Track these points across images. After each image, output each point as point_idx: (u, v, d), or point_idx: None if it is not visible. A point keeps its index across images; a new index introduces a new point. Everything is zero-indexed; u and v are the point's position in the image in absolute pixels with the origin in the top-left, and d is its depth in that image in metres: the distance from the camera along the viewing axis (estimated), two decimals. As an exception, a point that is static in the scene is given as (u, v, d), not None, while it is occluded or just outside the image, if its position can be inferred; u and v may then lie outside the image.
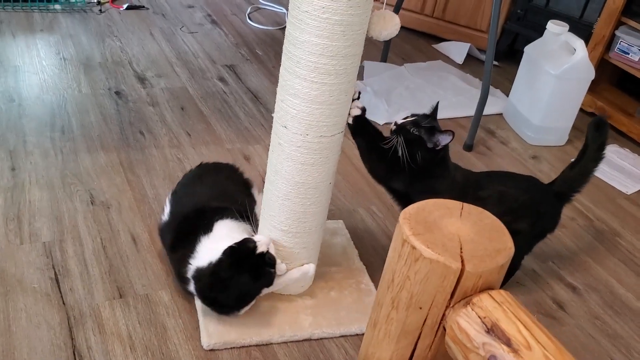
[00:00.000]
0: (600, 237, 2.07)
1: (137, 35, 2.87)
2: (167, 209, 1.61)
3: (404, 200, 1.61)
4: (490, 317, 0.69)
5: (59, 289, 1.53)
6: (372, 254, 1.82)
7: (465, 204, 0.80)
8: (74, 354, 1.38)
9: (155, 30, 2.94)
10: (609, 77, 2.86)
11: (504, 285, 1.75)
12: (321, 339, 1.52)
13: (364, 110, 1.44)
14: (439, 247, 0.72)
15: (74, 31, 2.80)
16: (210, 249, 1.44)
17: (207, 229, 1.49)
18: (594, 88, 2.73)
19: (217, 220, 1.51)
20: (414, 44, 3.31)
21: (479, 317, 0.70)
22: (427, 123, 1.51)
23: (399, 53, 3.17)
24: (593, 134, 1.64)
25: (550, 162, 2.45)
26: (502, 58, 3.24)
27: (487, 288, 0.73)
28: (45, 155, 1.98)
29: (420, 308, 0.75)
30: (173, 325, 1.49)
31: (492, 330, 0.68)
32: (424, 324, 0.76)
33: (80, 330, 1.43)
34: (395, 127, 1.53)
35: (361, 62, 2.94)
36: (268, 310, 1.53)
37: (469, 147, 2.44)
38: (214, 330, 1.46)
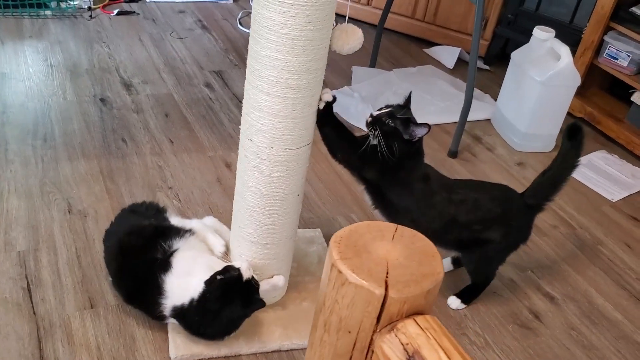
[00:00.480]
0: (582, 245, 2.06)
1: (125, 41, 2.88)
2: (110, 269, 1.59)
3: (375, 190, 1.59)
4: (413, 344, 0.69)
5: (31, 299, 1.54)
6: (348, 263, 1.82)
7: (400, 227, 0.80)
8: (41, 365, 1.39)
9: (144, 36, 2.95)
10: (600, 82, 2.84)
11: (477, 296, 1.76)
12: (291, 350, 1.52)
13: (334, 97, 1.41)
14: (365, 272, 0.72)
15: (63, 37, 2.82)
16: (180, 285, 1.43)
17: (165, 266, 1.46)
18: (583, 93, 2.72)
19: (171, 254, 1.48)
20: (405, 48, 3.30)
21: (401, 343, 0.69)
22: (402, 114, 1.50)
23: (389, 58, 3.16)
24: (567, 141, 1.62)
25: (536, 169, 2.43)
26: (493, 62, 3.23)
27: (415, 313, 0.73)
28: (25, 164, 1.99)
29: (349, 332, 0.75)
30: (142, 336, 1.49)
31: (413, 357, 0.68)
32: (353, 348, 0.76)
33: (49, 340, 1.44)
34: (370, 118, 1.50)
35: (350, 67, 2.93)
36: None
37: (453, 154, 2.44)
38: (182, 342, 1.46)
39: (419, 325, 0.71)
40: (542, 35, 2.47)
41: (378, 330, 0.73)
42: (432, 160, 2.35)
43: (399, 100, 2.71)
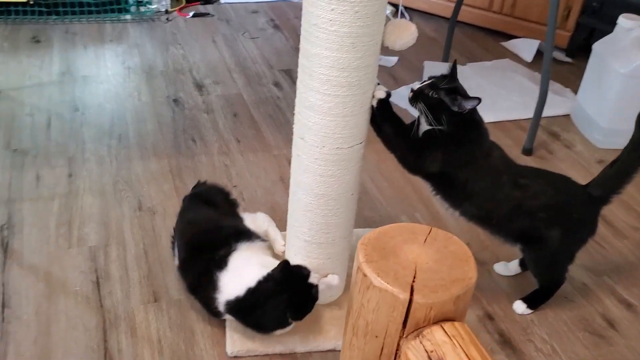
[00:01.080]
0: (667, 249, 1.92)
1: (199, 42, 2.96)
2: (175, 252, 1.64)
3: (445, 186, 1.51)
4: (438, 352, 0.66)
5: (99, 292, 1.61)
6: (411, 263, 1.78)
7: (434, 229, 0.77)
8: (105, 357, 1.44)
9: (217, 37, 3.02)
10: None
11: (545, 301, 1.67)
12: (347, 350, 1.50)
13: (388, 94, 1.35)
14: (390, 276, 0.70)
15: (141, 40, 2.93)
16: (233, 280, 1.46)
17: (221, 264, 1.49)
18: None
19: (230, 253, 1.52)
20: (481, 42, 3.20)
21: (426, 350, 0.67)
22: (446, 84, 1.38)
23: (463, 52, 3.07)
24: (638, 129, 1.50)
25: (618, 167, 2.29)
26: (576, 54, 3.07)
27: (444, 319, 0.70)
28: (100, 163, 2.08)
29: (376, 337, 0.73)
30: (201, 330, 1.53)
31: (437, 365, 0.65)
32: (381, 353, 0.74)
33: (113, 332, 1.50)
34: (412, 93, 1.40)
35: (421, 62, 2.88)
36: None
37: (527, 151, 2.33)
38: (238, 338, 1.48)
39: (446, 332, 0.69)
40: (627, 23, 2.32)
41: (405, 335, 0.71)
42: (505, 158, 2.28)
43: (472, 95, 2.65)
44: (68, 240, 1.76)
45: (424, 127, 1.41)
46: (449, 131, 1.38)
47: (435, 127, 1.38)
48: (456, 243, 0.76)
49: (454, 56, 3.00)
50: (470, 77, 2.83)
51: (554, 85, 2.83)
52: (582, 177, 2.18)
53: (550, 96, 2.70)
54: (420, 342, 0.68)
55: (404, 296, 0.68)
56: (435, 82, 1.39)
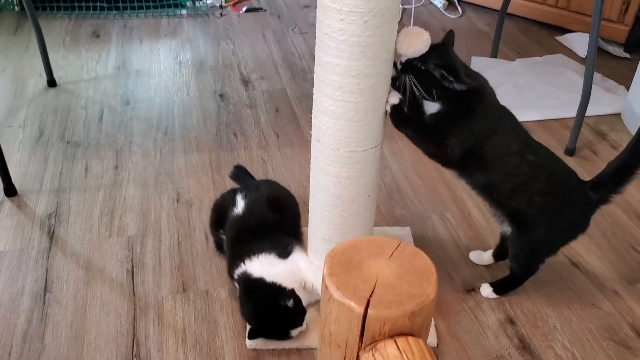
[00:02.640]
0: None
1: (250, 37, 3.03)
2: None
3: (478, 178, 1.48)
4: (386, 366, 0.69)
5: (133, 280, 1.71)
6: (436, 263, 1.74)
7: (402, 244, 0.80)
8: (133, 342, 1.54)
9: (268, 32, 3.08)
10: None
11: (513, 289, 1.68)
12: (362, 347, 1.54)
13: (402, 100, 1.35)
14: (349, 289, 0.73)
15: (194, 35, 3.03)
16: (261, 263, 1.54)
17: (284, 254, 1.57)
18: None
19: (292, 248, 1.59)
20: (534, 36, 3.12)
21: (377, 363, 0.70)
22: (436, 57, 1.32)
23: (514, 47, 3.01)
24: None
25: (667, 170, 2.20)
26: (635, 50, 2.96)
27: (400, 333, 0.73)
28: (146, 155, 2.19)
29: (339, 346, 0.76)
30: (224, 322, 1.60)
31: (385, 379, 0.68)
32: (344, 362, 0.77)
33: (142, 320, 1.60)
34: (400, 66, 1.34)
35: (469, 57, 2.84)
36: (312, 316, 1.58)
37: (570, 152, 2.28)
38: (257, 330, 1.54)
39: (398, 347, 0.71)
40: (682, 21, 2.22)
41: (363, 347, 0.74)
42: (546, 158, 2.23)
43: (518, 92, 2.61)
44: (109, 229, 1.87)
45: (428, 109, 1.38)
46: (448, 108, 1.35)
47: (426, 99, 1.34)
48: (421, 259, 0.79)
49: (504, 51, 2.95)
50: (520, 73, 2.77)
51: (606, 82, 2.74)
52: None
53: (600, 94, 2.63)
54: (373, 355, 0.71)
55: (359, 310, 0.71)
56: (425, 56, 1.32)
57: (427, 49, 1.30)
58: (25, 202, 1.97)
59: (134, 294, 1.67)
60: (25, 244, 1.81)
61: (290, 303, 1.44)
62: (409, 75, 1.32)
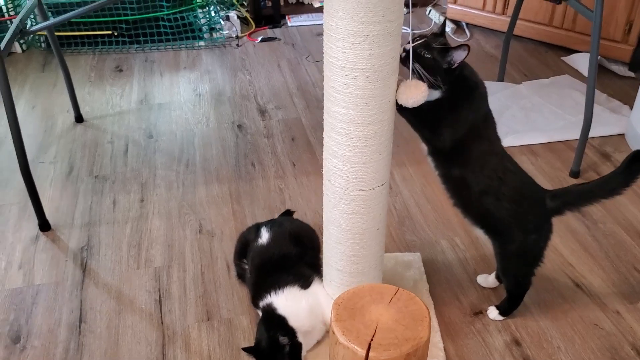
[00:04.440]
0: None
1: (265, 67, 3.16)
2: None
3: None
4: (387, 401, 0.80)
5: (160, 310, 1.83)
6: (445, 288, 1.89)
7: (400, 290, 0.91)
8: (162, 368, 1.66)
9: (282, 62, 3.21)
10: None
11: (515, 307, 1.77)
12: (376, 370, 1.64)
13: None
14: (353, 334, 0.84)
15: (212, 67, 3.17)
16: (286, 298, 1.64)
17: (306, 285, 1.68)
18: None
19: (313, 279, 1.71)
20: (541, 57, 3.21)
21: (377, 399, 0.81)
22: (439, 44, 1.42)
23: (521, 68, 3.11)
24: (623, 165, 1.55)
25: (670, 190, 2.28)
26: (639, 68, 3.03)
27: (398, 371, 0.83)
28: (169, 188, 2.32)
29: (347, 383, 0.87)
30: (246, 348, 1.71)
31: (384, 413, 0.79)
32: (351, 396, 0.88)
33: (171, 347, 1.72)
34: (404, 53, 1.41)
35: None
36: (324, 339, 1.68)
37: (575, 174, 2.36)
38: (277, 356, 1.65)
39: (395, 384, 0.82)
40: (680, 45, 2.30)
41: (366, 383, 0.85)
42: (552, 180, 2.33)
43: (525, 115, 2.70)
44: (137, 261, 2.00)
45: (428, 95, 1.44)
46: (445, 95, 1.44)
47: (434, 86, 1.42)
48: (416, 303, 0.89)
49: (511, 73, 3.05)
50: (526, 95, 2.87)
51: (611, 102, 2.82)
52: (630, 200, 2.22)
53: (605, 114, 2.71)
54: (375, 391, 0.82)
55: (361, 353, 0.82)
56: (429, 42, 1.42)
57: (425, 99, 1.40)
58: (58, 236, 2.11)
59: (162, 322, 1.79)
60: (60, 277, 1.94)
61: (287, 347, 1.54)
62: (416, 64, 1.40)
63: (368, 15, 1.22)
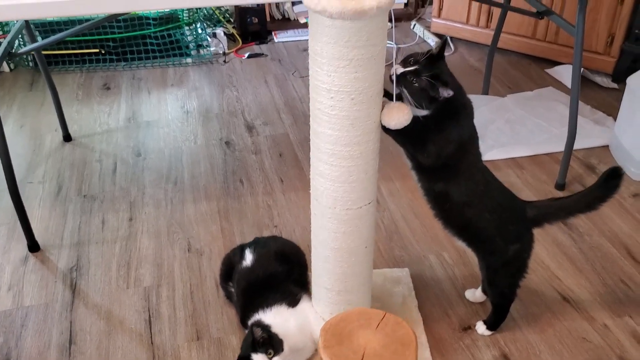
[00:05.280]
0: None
1: (252, 83, 3.18)
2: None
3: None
4: None
5: (150, 330, 1.83)
6: (434, 303, 1.91)
7: (387, 315, 0.92)
8: (153, 390, 1.66)
9: (269, 77, 3.23)
10: None
11: (501, 320, 1.78)
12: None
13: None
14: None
15: (199, 83, 3.18)
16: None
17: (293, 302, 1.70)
18: None
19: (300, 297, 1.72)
20: (525, 70, 3.25)
21: (365, 423, 0.82)
22: (429, 75, 1.40)
23: (506, 81, 3.14)
24: (600, 181, 1.59)
25: (654, 201, 2.32)
26: (623, 80, 3.06)
27: (385, 395, 0.85)
28: (157, 206, 2.32)
29: (336, 406, 0.88)
30: (236, 367, 1.71)
31: None
32: (340, 420, 0.89)
33: (161, 368, 1.72)
34: (395, 77, 1.41)
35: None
36: (314, 358, 1.69)
37: (560, 187, 2.39)
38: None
39: (383, 408, 0.83)
40: (660, 58, 2.34)
41: (354, 408, 0.86)
42: (538, 193, 2.35)
43: (510, 128, 2.73)
44: (126, 281, 2.00)
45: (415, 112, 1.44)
46: (433, 113, 1.43)
47: (419, 109, 1.42)
48: (403, 328, 0.90)
49: (496, 86, 3.08)
50: (511, 108, 2.90)
51: (595, 114, 2.86)
52: (615, 212, 2.25)
53: (589, 126, 2.75)
54: (363, 416, 0.83)
55: (349, 378, 0.83)
56: (419, 69, 1.40)
57: (408, 122, 1.41)
58: (48, 256, 2.10)
59: (152, 343, 1.79)
60: (50, 298, 1.94)
61: (260, 334, 1.54)
62: (403, 89, 1.41)
63: (352, 40, 1.24)
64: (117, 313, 1.89)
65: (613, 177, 1.59)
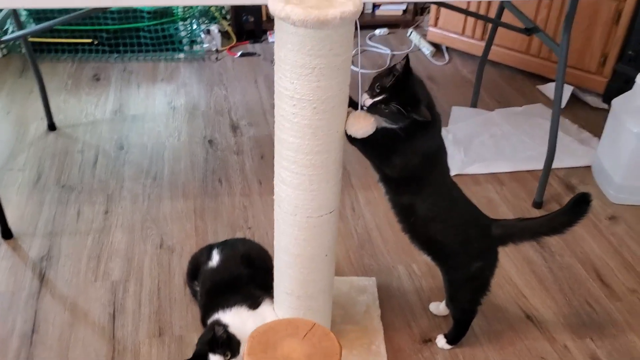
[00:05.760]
0: (661, 314, 1.95)
1: (242, 83, 3.18)
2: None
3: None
4: None
5: (113, 324, 1.84)
6: (397, 313, 1.91)
7: (316, 325, 0.92)
8: (109, 384, 1.67)
9: (260, 78, 3.24)
10: None
11: (461, 336, 1.79)
12: (321, 394, 1.65)
13: None
14: (263, 368, 0.85)
15: (189, 80, 3.19)
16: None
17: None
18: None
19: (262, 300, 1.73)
20: (517, 85, 3.25)
21: None
22: (398, 103, 1.38)
23: (496, 95, 3.14)
24: (569, 205, 1.59)
25: (630, 225, 2.31)
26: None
27: (305, 407, 0.85)
28: (134, 201, 2.33)
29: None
30: (194, 366, 1.72)
31: None
32: None
33: (119, 363, 1.73)
34: (366, 108, 1.43)
35: (451, 106, 2.95)
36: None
37: (537, 205, 2.39)
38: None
39: (300, 420, 0.84)
40: (644, 82, 2.34)
41: (273, 418, 0.87)
42: (514, 210, 2.36)
43: (494, 143, 2.73)
44: (95, 273, 2.01)
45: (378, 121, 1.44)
46: (403, 125, 1.42)
47: (393, 126, 1.42)
48: (330, 340, 0.91)
49: (485, 99, 3.09)
50: (498, 123, 2.90)
51: (582, 134, 2.86)
52: (589, 233, 2.25)
53: (574, 145, 2.75)
54: None
55: (268, 388, 0.84)
56: (387, 97, 1.39)
57: (373, 130, 1.42)
58: (20, 244, 2.11)
59: (113, 337, 1.80)
60: (18, 286, 1.95)
61: (220, 333, 1.55)
62: (376, 116, 1.41)
63: (315, 49, 1.25)
64: (82, 305, 1.90)
65: (582, 203, 1.58)
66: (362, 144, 1.46)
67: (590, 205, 1.58)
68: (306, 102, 1.31)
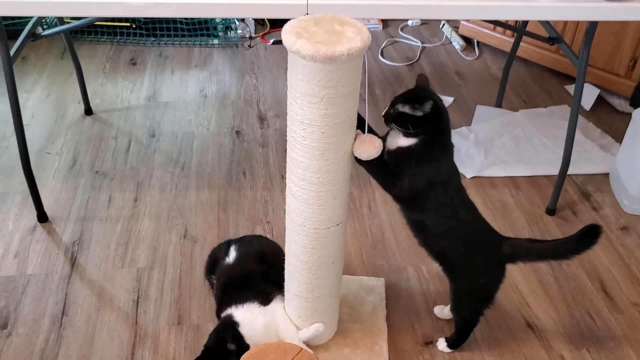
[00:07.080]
0: (660, 330, 2.00)
1: (273, 72, 3.26)
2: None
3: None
4: None
5: (137, 310, 1.98)
6: (402, 315, 2.01)
7: (302, 350, 1.03)
8: (130, 367, 1.82)
9: (289, 67, 3.30)
10: None
11: (462, 342, 1.87)
12: (323, 389, 1.77)
13: None
14: (251, 390, 0.96)
15: (222, 67, 3.29)
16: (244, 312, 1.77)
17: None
18: None
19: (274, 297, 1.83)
20: (544, 84, 3.25)
21: None
22: (401, 99, 1.52)
23: (522, 94, 3.16)
24: (578, 235, 1.64)
25: (641, 237, 2.35)
26: (640, 105, 3.06)
27: None
28: (162, 189, 2.46)
29: None
30: (208, 355, 1.85)
31: None
32: None
33: (140, 348, 1.87)
34: (384, 121, 1.57)
35: (476, 103, 2.98)
36: (282, 357, 1.83)
37: (551, 212, 2.44)
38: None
39: None
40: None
41: None
42: (528, 216, 2.41)
43: (515, 145, 2.76)
44: (122, 260, 2.15)
45: (394, 142, 1.56)
46: (418, 145, 1.53)
47: (409, 135, 1.52)
48: (314, 366, 1.01)
49: (511, 98, 3.11)
50: (521, 124, 2.92)
51: (604, 139, 2.87)
52: (599, 245, 2.27)
53: (595, 151, 2.77)
54: None
55: (254, 408, 0.95)
56: (394, 100, 1.54)
57: (378, 154, 1.50)
58: (54, 228, 2.27)
59: (136, 322, 1.94)
60: (51, 269, 2.11)
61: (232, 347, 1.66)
62: (390, 125, 1.54)
63: (323, 80, 1.33)
64: (109, 290, 2.05)
65: (590, 235, 1.64)
66: (368, 165, 1.54)
67: (599, 238, 1.63)
68: (315, 127, 1.40)
